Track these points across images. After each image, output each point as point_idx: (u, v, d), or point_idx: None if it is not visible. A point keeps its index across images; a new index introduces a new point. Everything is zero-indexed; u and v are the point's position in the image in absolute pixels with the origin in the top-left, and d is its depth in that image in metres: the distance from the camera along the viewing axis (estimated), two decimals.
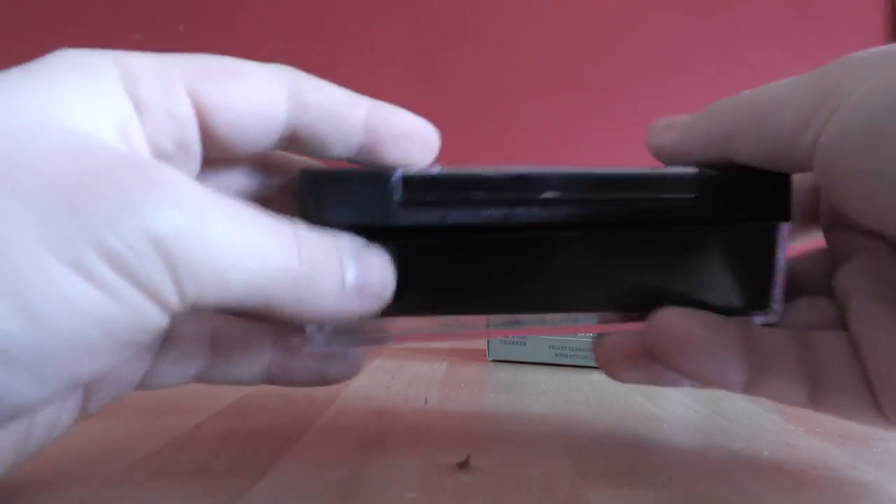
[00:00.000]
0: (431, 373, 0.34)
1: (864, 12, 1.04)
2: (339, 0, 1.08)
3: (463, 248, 0.18)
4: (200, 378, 0.19)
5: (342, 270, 0.16)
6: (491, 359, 0.38)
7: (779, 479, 0.18)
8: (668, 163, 0.19)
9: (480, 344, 0.45)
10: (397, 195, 0.17)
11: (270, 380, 0.20)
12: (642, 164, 0.19)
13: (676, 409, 0.26)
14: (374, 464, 0.19)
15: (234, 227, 0.13)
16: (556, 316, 0.19)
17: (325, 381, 0.20)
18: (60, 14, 1.07)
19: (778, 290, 0.18)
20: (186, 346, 0.19)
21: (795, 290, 0.20)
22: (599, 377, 0.33)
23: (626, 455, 0.20)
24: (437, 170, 0.18)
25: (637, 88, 1.06)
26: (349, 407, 0.26)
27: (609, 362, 0.19)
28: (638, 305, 0.18)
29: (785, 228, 0.18)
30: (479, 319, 0.19)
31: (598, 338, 0.20)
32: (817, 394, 0.17)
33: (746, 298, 0.18)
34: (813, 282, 0.20)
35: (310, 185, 0.17)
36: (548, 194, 0.17)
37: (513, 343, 0.37)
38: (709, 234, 0.18)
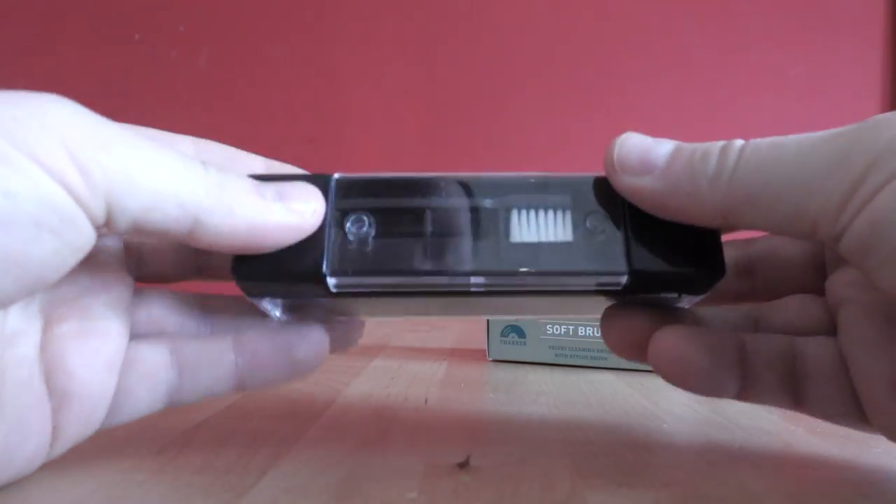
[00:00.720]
0: (431, 373, 0.34)
1: (864, 13, 1.04)
2: (339, 0, 1.08)
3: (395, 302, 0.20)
4: (173, 398, 0.19)
5: (255, 183, 0.17)
6: (491, 359, 0.38)
7: (779, 479, 0.18)
8: (642, 207, 0.17)
9: (480, 344, 0.45)
10: (329, 288, 0.18)
11: (240, 382, 0.20)
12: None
13: (676, 409, 0.26)
14: (374, 464, 0.19)
15: (137, 140, 0.15)
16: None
17: (295, 366, 0.20)
18: (61, 14, 1.07)
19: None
20: (150, 366, 0.19)
21: (789, 281, 0.20)
22: (599, 377, 0.33)
23: (626, 455, 0.20)
24: (367, 263, 0.18)
25: (637, 88, 1.06)
26: (349, 407, 0.26)
27: (615, 344, 0.20)
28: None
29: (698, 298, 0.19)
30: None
31: (607, 318, 0.20)
32: (804, 401, 0.18)
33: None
34: (806, 277, 0.20)
35: (240, 273, 0.18)
36: (475, 282, 0.18)
37: (513, 343, 0.37)
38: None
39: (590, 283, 0.18)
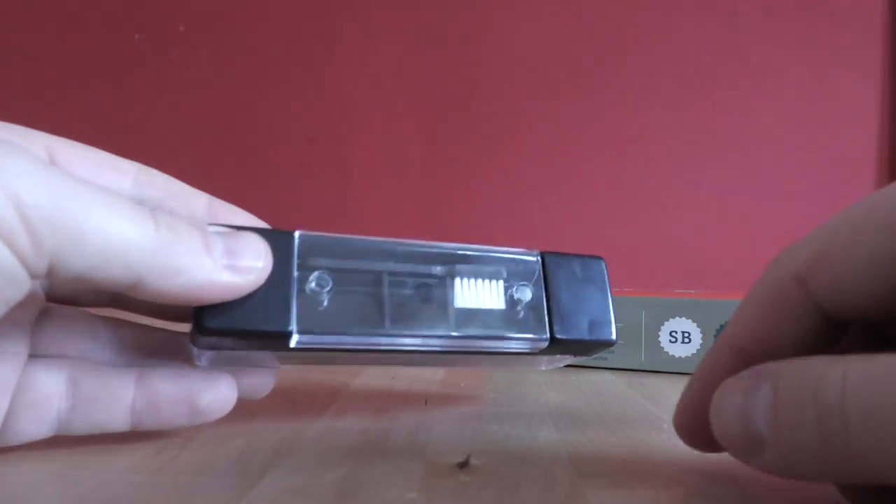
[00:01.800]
0: (431, 373, 0.34)
1: (864, 12, 1.04)
2: (338, 0, 1.08)
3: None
4: (64, 426, 0.19)
5: (206, 240, 0.17)
6: None
7: (779, 479, 0.18)
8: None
9: None
10: (291, 345, 0.19)
11: (137, 422, 0.19)
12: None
13: None
14: (374, 464, 0.19)
15: (89, 197, 0.15)
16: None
17: (196, 413, 0.19)
18: (61, 14, 1.07)
19: None
20: (42, 393, 0.18)
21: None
22: (599, 377, 0.33)
23: (626, 455, 0.20)
24: (329, 337, 0.19)
25: (637, 88, 1.06)
26: (349, 407, 0.26)
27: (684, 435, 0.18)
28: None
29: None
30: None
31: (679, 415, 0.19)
32: None
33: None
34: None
35: (203, 327, 0.17)
36: (425, 346, 0.20)
37: None
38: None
39: (518, 345, 0.21)
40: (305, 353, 0.20)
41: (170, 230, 0.16)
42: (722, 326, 0.33)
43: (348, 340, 0.19)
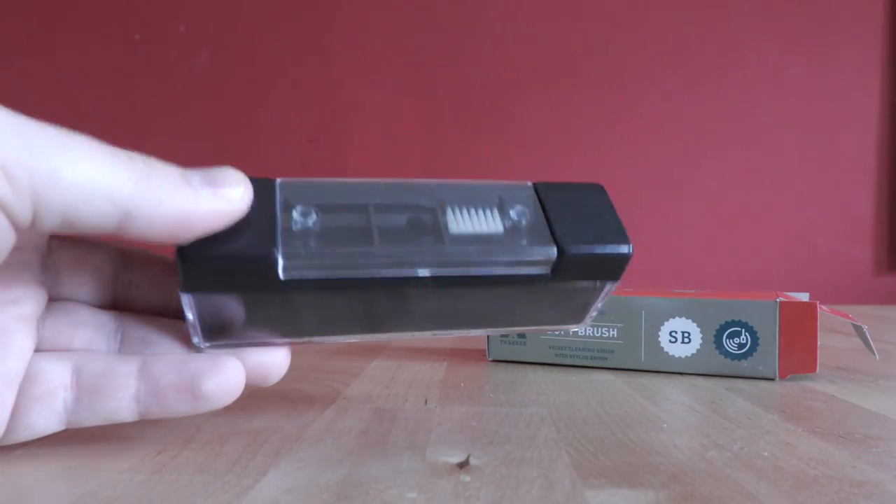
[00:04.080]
0: (431, 373, 0.34)
1: (864, 12, 1.04)
2: (339, 1, 1.08)
3: (339, 302, 0.20)
4: (72, 419, 0.19)
5: (182, 172, 0.17)
6: (491, 359, 0.38)
7: (779, 479, 0.18)
8: None
9: (481, 344, 0.45)
10: (280, 275, 0.18)
11: (144, 411, 0.19)
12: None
13: (676, 409, 0.26)
14: (374, 464, 0.19)
15: (62, 140, 0.15)
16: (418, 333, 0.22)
17: (200, 399, 0.19)
18: (61, 14, 1.07)
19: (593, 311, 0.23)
20: (48, 385, 0.18)
21: None
22: (599, 377, 0.33)
23: (626, 455, 0.20)
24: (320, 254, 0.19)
25: (637, 88, 1.06)
26: (349, 407, 0.26)
27: None
28: (489, 327, 0.22)
29: (614, 285, 0.22)
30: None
31: None
32: None
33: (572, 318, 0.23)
34: None
35: (187, 262, 0.17)
36: (422, 273, 0.19)
37: (513, 343, 0.37)
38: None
39: (526, 269, 0.20)
40: (295, 312, 0.19)
41: (145, 164, 0.16)
42: (722, 326, 0.33)
43: (338, 262, 0.18)
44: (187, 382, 0.19)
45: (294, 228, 0.18)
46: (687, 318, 0.33)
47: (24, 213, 0.15)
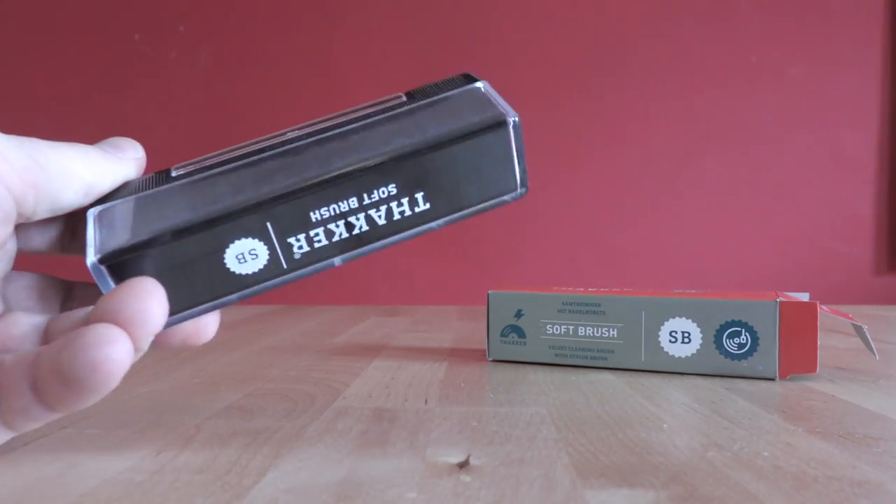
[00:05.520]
0: (431, 373, 0.34)
1: (864, 12, 1.04)
2: (339, 1, 1.08)
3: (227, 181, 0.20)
4: (2, 422, 0.17)
5: (99, 148, 0.21)
6: (491, 359, 0.38)
7: (779, 479, 0.18)
8: None
9: (481, 344, 0.45)
10: (172, 172, 0.21)
11: (48, 407, 0.16)
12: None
13: (676, 409, 0.26)
14: (374, 464, 0.19)
15: (45, 149, 0.19)
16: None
17: (68, 381, 0.15)
18: (61, 14, 1.07)
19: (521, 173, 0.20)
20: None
21: None
22: (599, 377, 0.33)
23: (626, 455, 0.20)
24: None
25: (637, 88, 1.06)
26: (349, 407, 0.26)
27: None
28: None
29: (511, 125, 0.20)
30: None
31: None
32: None
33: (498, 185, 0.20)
34: None
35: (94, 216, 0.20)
36: (290, 134, 0.21)
37: (513, 343, 0.37)
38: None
39: (376, 106, 0.21)
40: (186, 188, 0.20)
41: (83, 150, 0.20)
42: (722, 326, 0.33)
43: (219, 156, 0.21)
44: (55, 361, 0.16)
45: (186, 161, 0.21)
46: (687, 318, 0.33)
47: (29, 205, 0.19)
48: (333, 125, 0.21)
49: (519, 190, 0.21)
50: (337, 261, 0.20)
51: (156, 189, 0.20)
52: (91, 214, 0.20)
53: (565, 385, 0.31)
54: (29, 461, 0.19)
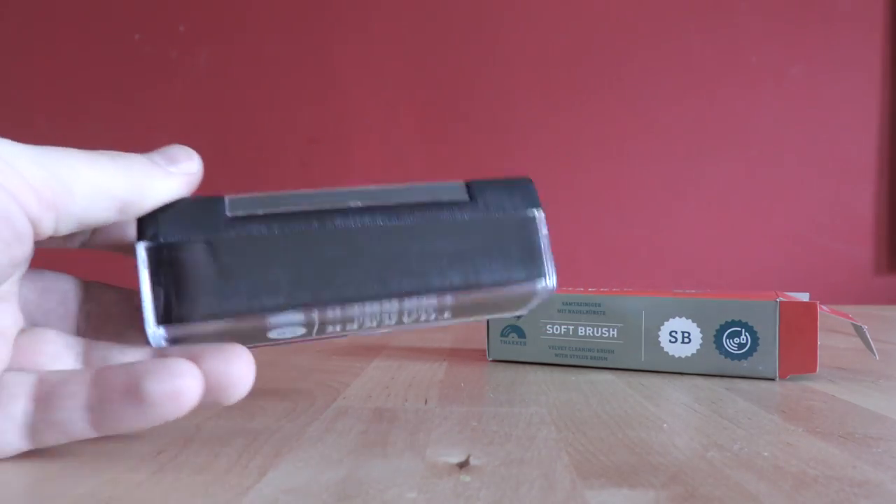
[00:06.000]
0: (431, 373, 0.34)
1: (864, 12, 1.04)
2: (339, 1, 1.08)
3: (285, 247, 0.20)
4: (33, 434, 0.18)
5: (148, 157, 0.20)
6: (491, 359, 0.38)
7: (779, 479, 0.18)
8: None
9: (480, 344, 0.45)
10: (226, 212, 0.20)
11: (95, 420, 0.18)
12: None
13: (676, 409, 0.26)
14: (374, 464, 0.19)
15: (68, 160, 0.18)
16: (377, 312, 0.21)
17: (145, 403, 0.17)
18: (61, 14, 1.07)
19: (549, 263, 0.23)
20: (10, 387, 0.18)
21: None
22: (599, 377, 0.33)
23: (626, 455, 0.20)
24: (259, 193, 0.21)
25: (637, 88, 1.06)
26: (349, 407, 0.26)
27: None
28: (447, 284, 0.22)
29: (540, 214, 0.23)
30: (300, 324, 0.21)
31: None
32: None
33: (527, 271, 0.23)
34: None
35: (147, 216, 0.19)
36: (352, 203, 0.21)
37: (513, 343, 0.37)
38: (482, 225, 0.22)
39: (438, 194, 0.22)
40: (244, 249, 0.20)
41: (123, 159, 0.19)
42: (722, 326, 0.33)
43: (278, 201, 0.20)
44: (132, 383, 0.17)
45: (238, 195, 0.20)
46: (687, 318, 0.33)
47: (48, 224, 0.17)
48: (395, 208, 0.21)
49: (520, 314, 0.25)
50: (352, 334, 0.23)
51: (215, 235, 0.19)
52: (143, 251, 0.19)
53: (565, 385, 0.31)
54: (29, 461, 0.19)
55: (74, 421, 0.18)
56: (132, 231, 0.22)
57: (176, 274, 0.19)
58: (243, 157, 1.06)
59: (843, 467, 0.19)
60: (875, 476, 0.18)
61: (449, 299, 0.22)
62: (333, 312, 0.21)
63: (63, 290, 0.22)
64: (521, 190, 0.23)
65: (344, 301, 0.20)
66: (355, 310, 0.21)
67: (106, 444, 0.21)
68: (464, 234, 0.22)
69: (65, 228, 0.18)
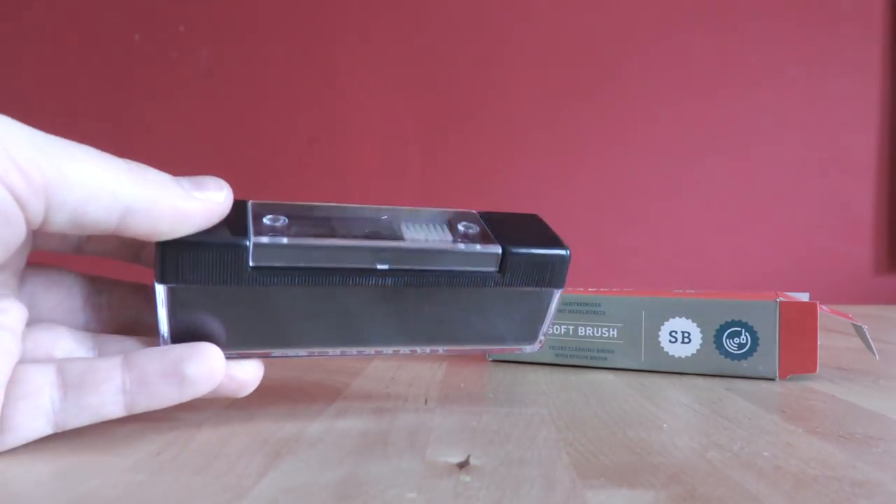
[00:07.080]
0: (431, 373, 0.34)
1: (864, 12, 1.04)
2: (339, 1, 1.08)
3: (304, 299, 0.21)
4: (60, 418, 0.19)
5: (172, 177, 0.19)
6: (491, 359, 0.38)
7: (779, 479, 0.18)
8: None
9: None
10: (250, 262, 0.20)
11: (130, 403, 0.19)
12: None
13: (676, 409, 0.26)
14: (374, 464, 0.19)
15: (68, 147, 0.17)
16: (382, 349, 0.23)
17: (186, 385, 0.19)
18: (61, 14, 1.07)
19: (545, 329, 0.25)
20: (33, 381, 0.19)
21: None
22: (599, 377, 0.33)
23: (626, 455, 0.20)
24: (285, 240, 0.20)
25: (637, 88, 1.06)
26: (349, 407, 0.26)
27: None
28: (447, 341, 0.24)
29: (559, 293, 0.24)
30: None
31: None
32: None
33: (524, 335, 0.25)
34: None
35: (167, 253, 0.19)
36: (381, 267, 0.21)
37: None
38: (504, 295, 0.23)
39: (472, 264, 0.22)
40: (265, 294, 0.20)
41: (140, 168, 0.18)
42: (722, 326, 0.33)
43: (303, 253, 0.20)
44: (172, 367, 0.19)
45: (264, 227, 0.20)
46: (687, 318, 0.33)
47: (37, 210, 0.16)
48: (421, 274, 0.22)
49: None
50: None
51: (236, 287, 0.20)
52: (163, 292, 0.19)
53: (565, 385, 0.31)
54: (28, 461, 0.19)
55: (106, 403, 0.19)
56: (133, 241, 0.22)
57: (193, 316, 0.20)
58: (243, 157, 1.05)
59: (842, 467, 0.19)
60: (875, 476, 0.18)
61: (446, 349, 0.24)
62: (335, 352, 0.23)
63: (68, 285, 0.22)
64: (554, 266, 0.23)
65: (349, 346, 0.23)
66: (356, 351, 0.23)
67: (106, 444, 0.21)
68: (481, 307, 0.23)
69: (59, 220, 0.17)
